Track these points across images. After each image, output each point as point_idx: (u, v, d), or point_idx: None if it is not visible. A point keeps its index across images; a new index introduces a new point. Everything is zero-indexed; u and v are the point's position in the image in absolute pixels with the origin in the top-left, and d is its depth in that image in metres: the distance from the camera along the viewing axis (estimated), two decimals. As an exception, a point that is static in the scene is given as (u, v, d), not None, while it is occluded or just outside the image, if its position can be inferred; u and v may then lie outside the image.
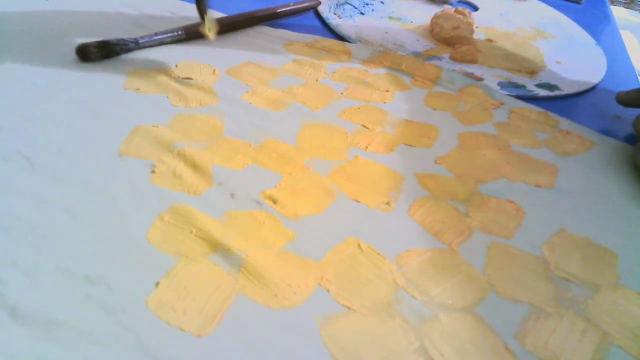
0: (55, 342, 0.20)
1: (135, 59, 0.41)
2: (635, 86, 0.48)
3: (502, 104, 0.41)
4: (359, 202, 0.29)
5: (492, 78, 0.46)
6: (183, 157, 0.31)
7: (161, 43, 0.44)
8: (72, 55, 0.41)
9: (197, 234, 0.25)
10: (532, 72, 0.49)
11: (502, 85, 0.45)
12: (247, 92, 0.39)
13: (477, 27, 0.58)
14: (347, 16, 0.57)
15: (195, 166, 0.30)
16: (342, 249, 0.26)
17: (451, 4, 0.65)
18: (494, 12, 0.65)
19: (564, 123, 0.39)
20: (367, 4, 0.62)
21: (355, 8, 0.60)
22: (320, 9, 0.58)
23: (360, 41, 0.51)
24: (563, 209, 0.31)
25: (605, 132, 0.39)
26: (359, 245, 0.26)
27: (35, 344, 0.20)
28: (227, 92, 0.39)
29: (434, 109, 0.40)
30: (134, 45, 0.42)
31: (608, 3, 0.76)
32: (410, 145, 0.35)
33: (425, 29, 0.57)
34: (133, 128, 0.33)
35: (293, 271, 0.24)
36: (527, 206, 0.30)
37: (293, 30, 0.50)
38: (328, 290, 0.24)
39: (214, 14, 0.44)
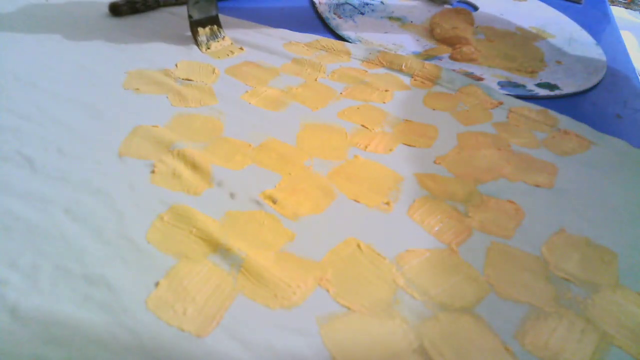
0: (55, 342, 0.20)
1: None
2: (635, 86, 0.48)
3: (501, 103, 0.41)
4: (358, 202, 0.29)
5: (492, 78, 0.46)
6: (183, 157, 0.31)
7: (177, 2, 0.53)
8: (72, 55, 0.41)
9: (197, 234, 0.26)
10: (532, 72, 0.49)
11: (502, 84, 0.45)
12: (247, 92, 0.39)
13: (477, 27, 0.58)
14: (347, 16, 0.57)
15: (195, 166, 0.30)
16: (342, 249, 0.26)
17: (451, 4, 0.65)
18: (494, 12, 0.65)
19: (564, 121, 0.39)
20: (367, 4, 0.62)
21: (355, 8, 0.60)
22: (320, 9, 0.58)
23: (360, 41, 0.51)
24: (562, 208, 0.31)
25: (605, 132, 0.38)
26: (358, 246, 0.26)
27: (35, 344, 0.20)
28: (227, 92, 0.39)
29: (433, 109, 0.40)
30: (156, 3, 0.51)
31: (608, 3, 0.76)
32: (409, 145, 0.35)
33: (425, 29, 0.57)
34: (133, 128, 0.33)
35: (293, 271, 0.24)
36: (526, 206, 0.30)
37: (293, 30, 0.50)
38: (327, 291, 0.24)
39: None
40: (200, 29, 0.44)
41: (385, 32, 0.55)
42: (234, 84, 0.40)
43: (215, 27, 0.45)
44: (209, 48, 0.44)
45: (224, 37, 0.45)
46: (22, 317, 0.21)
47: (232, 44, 0.45)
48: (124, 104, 0.36)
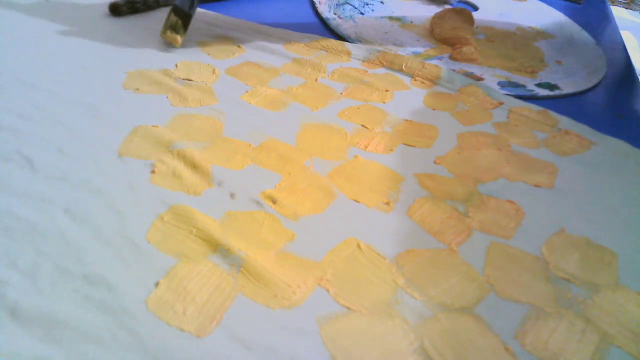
0: (55, 342, 0.20)
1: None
2: (635, 86, 0.48)
3: (501, 103, 0.41)
4: (358, 202, 0.29)
5: (492, 78, 0.46)
6: (183, 157, 0.31)
7: None
8: (72, 55, 0.41)
9: (197, 234, 0.26)
10: (532, 72, 0.49)
11: (502, 85, 0.45)
12: (247, 92, 0.39)
13: (477, 27, 0.58)
14: (347, 16, 0.57)
15: (194, 166, 0.30)
16: (342, 249, 0.26)
17: (451, 4, 0.65)
18: (494, 12, 0.65)
19: (564, 122, 0.39)
20: (367, 4, 0.62)
21: (355, 8, 0.60)
22: (321, 9, 0.58)
23: (360, 41, 0.51)
24: (562, 208, 0.31)
25: (605, 132, 0.38)
26: (358, 246, 0.26)
27: (35, 344, 0.20)
28: (227, 92, 0.39)
29: (434, 109, 0.40)
30: (156, 3, 0.52)
31: (608, 3, 0.76)
32: (409, 145, 0.35)
33: (425, 29, 0.57)
34: (133, 128, 0.33)
35: (292, 271, 0.24)
36: (526, 206, 0.30)
37: (293, 30, 0.50)
38: (327, 291, 0.24)
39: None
40: (172, 16, 0.44)
41: (385, 32, 0.55)
42: (234, 84, 0.40)
43: (180, 22, 0.44)
44: (164, 33, 0.44)
45: (178, 37, 0.44)
46: (22, 317, 0.21)
47: (179, 44, 0.44)
48: (124, 104, 0.36)
